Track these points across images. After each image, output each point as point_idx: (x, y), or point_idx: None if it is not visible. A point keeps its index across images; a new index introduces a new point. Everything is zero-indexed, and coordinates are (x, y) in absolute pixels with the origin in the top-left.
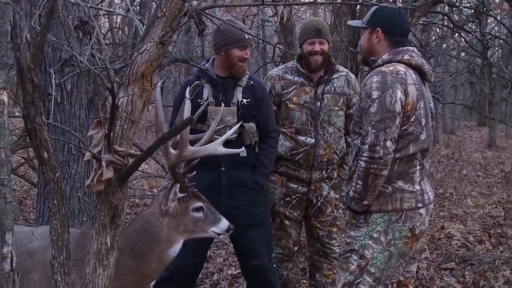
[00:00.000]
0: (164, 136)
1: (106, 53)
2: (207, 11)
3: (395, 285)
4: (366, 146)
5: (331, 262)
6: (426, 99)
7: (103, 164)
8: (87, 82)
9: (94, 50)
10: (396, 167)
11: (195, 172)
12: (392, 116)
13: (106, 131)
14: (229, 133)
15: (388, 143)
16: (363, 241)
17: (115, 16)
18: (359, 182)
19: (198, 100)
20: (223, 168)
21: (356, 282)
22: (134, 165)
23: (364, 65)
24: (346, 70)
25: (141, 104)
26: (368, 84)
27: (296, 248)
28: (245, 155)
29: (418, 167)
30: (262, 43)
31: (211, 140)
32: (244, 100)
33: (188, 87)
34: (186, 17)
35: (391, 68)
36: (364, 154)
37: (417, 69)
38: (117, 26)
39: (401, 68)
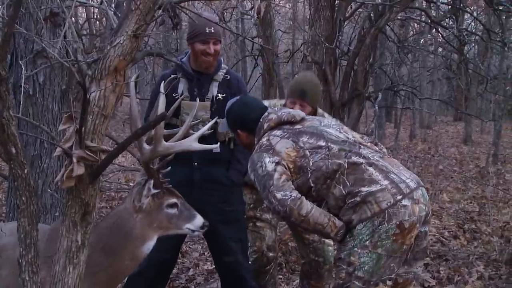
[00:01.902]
0: (137, 131)
1: (78, 46)
2: (183, 4)
3: (392, 281)
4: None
5: (321, 275)
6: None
7: (74, 160)
8: (59, 75)
9: (66, 42)
10: (345, 182)
11: (169, 167)
12: (268, 176)
13: (77, 126)
14: (204, 129)
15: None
16: (349, 250)
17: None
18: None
19: (173, 95)
20: (196, 163)
21: (344, 286)
22: (106, 161)
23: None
24: None
25: (114, 98)
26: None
27: (271, 254)
28: (219, 151)
29: (371, 168)
30: (241, 37)
31: (185, 135)
32: (220, 95)
33: (163, 81)
34: (160, 11)
35: (256, 147)
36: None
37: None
38: (95, 16)
39: (264, 138)
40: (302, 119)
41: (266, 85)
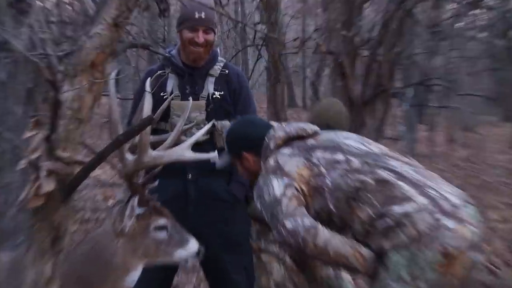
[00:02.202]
0: (119, 139)
1: (47, 36)
2: None
3: None
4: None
5: None
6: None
7: (43, 173)
8: (24, 71)
9: (32, 32)
10: (372, 202)
11: (157, 181)
12: (276, 203)
13: (47, 133)
14: (199, 134)
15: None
16: (383, 286)
17: None
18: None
19: (161, 94)
20: (190, 175)
21: None
22: (81, 174)
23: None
24: None
25: (90, 99)
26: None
27: None
28: (217, 160)
29: (402, 183)
30: (241, 24)
31: (177, 142)
32: (216, 93)
33: (150, 78)
34: None
35: (263, 169)
36: None
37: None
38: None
39: (272, 160)
40: (315, 133)
41: (272, 80)
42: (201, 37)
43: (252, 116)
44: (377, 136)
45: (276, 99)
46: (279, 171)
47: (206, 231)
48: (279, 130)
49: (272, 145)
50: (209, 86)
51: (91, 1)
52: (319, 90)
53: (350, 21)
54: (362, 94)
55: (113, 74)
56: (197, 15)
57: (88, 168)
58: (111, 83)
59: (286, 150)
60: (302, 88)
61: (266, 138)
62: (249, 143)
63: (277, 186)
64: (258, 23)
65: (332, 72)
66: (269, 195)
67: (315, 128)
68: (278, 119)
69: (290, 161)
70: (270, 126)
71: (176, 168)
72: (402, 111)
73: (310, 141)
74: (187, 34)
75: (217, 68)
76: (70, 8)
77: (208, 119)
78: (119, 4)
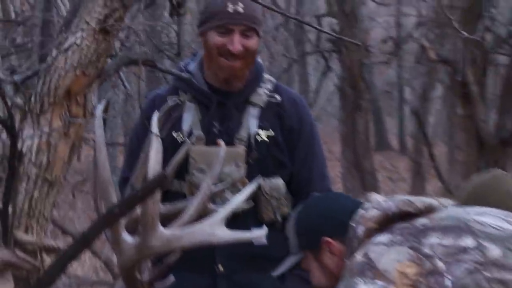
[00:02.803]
0: (112, 211)
1: None
2: None
3: None
4: None
5: None
6: None
7: None
8: None
9: None
10: None
11: (171, 277)
12: None
13: (0, 205)
14: (237, 201)
15: None
16: None
17: None
18: None
19: (174, 135)
20: (221, 267)
21: None
22: (55, 268)
23: None
24: None
25: (66, 148)
26: None
27: None
28: (265, 242)
29: None
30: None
31: (201, 213)
32: (263, 133)
33: (156, 111)
34: None
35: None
36: None
37: None
38: None
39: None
40: (430, 208)
41: (348, 107)
42: (237, 43)
43: (335, 193)
44: None
45: (356, 138)
46: (370, 270)
47: None
48: (372, 208)
49: (360, 231)
50: (251, 122)
51: None
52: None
53: (475, 10)
54: (499, 129)
55: (99, 108)
56: (231, 8)
57: (66, 258)
58: (97, 122)
59: (382, 238)
60: (398, 119)
61: (352, 222)
62: (334, 226)
63: None
64: (324, 15)
65: (447, 94)
66: None
67: (430, 201)
68: (359, 170)
69: (388, 253)
70: (359, 204)
71: (202, 256)
72: None
73: (421, 221)
74: (216, 39)
75: (262, 93)
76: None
77: (249, 175)
78: None
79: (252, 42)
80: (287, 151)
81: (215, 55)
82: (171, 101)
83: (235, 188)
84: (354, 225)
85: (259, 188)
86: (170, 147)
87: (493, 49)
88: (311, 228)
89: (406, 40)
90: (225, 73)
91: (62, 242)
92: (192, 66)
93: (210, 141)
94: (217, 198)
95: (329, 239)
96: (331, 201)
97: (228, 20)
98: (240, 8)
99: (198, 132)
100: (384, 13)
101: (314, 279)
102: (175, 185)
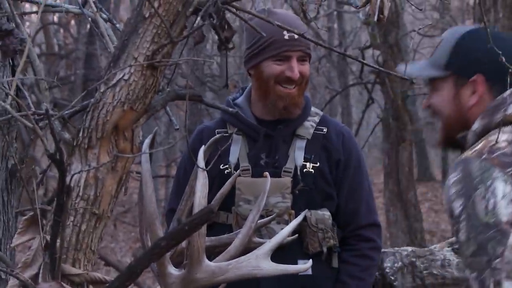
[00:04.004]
0: (159, 244)
1: (44, 85)
2: (236, 3)
3: None
4: None
5: None
6: None
7: None
8: (3, 140)
9: (20, 81)
10: None
11: None
12: (497, 234)
13: (47, 238)
14: (284, 233)
15: (506, 285)
16: None
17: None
18: None
19: (221, 167)
20: None
21: None
22: None
23: (444, 146)
24: None
25: (113, 182)
26: (446, 193)
27: None
28: (311, 273)
29: None
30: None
31: (247, 246)
32: (309, 165)
33: (203, 146)
34: (199, 17)
35: (479, 147)
36: None
37: None
38: (55, 21)
39: (503, 136)
40: None
41: (391, 138)
42: (296, 68)
43: None
44: None
45: (400, 170)
46: (503, 172)
47: None
48: None
49: (503, 112)
50: (297, 154)
51: (109, 26)
52: None
53: None
54: None
55: (146, 142)
56: (287, 35)
57: None
58: (144, 156)
59: None
60: (442, 150)
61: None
62: (497, 73)
63: (504, 200)
64: (368, 46)
65: None
66: (486, 210)
67: None
68: (402, 201)
69: None
70: None
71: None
72: None
73: None
74: (273, 67)
75: (308, 125)
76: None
77: (295, 206)
78: (157, 33)
79: (307, 68)
80: (333, 183)
81: (271, 85)
82: (218, 134)
83: (281, 219)
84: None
85: (305, 219)
86: (217, 179)
87: None
88: (473, 57)
89: None
90: (285, 101)
91: (104, 273)
92: (240, 100)
93: (257, 173)
94: (263, 229)
95: (482, 79)
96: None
97: (287, 47)
98: (291, 35)
99: (245, 163)
100: (428, 43)
101: (438, 102)
102: (221, 216)
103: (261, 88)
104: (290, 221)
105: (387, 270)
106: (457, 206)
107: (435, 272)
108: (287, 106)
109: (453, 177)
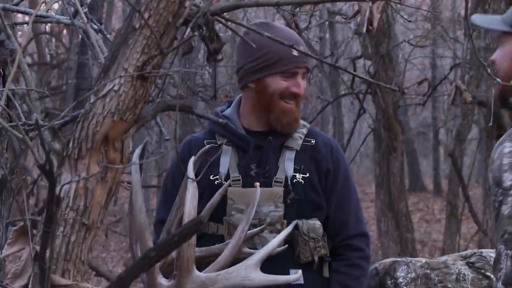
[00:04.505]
0: (149, 255)
1: (35, 96)
2: (226, 14)
3: None
4: (500, 285)
5: None
6: None
7: None
8: None
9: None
10: None
11: None
12: None
13: (37, 248)
14: (275, 243)
15: None
16: None
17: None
18: None
19: (211, 177)
20: None
21: None
22: None
23: (499, 105)
24: None
25: (103, 193)
26: (497, 160)
27: None
28: (302, 283)
29: None
30: (330, 57)
31: (237, 256)
32: (299, 176)
33: (193, 156)
34: (188, 28)
35: None
36: None
37: None
38: (47, 31)
39: None
40: None
41: (382, 148)
42: (302, 85)
43: None
44: None
45: (390, 179)
46: None
47: None
48: None
49: None
50: (287, 165)
51: (101, 40)
52: (461, 165)
53: None
54: None
55: (136, 153)
56: (296, 52)
57: None
58: (134, 167)
59: None
60: (433, 161)
61: None
62: None
63: None
64: (359, 57)
65: (483, 135)
66: None
67: None
68: (394, 211)
69: None
70: None
71: None
72: None
73: None
74: (280, 83)
75: (297, 137)
76: (53, 40)
77: (287, 216)
78: (147, 44)
79: (305, 83)
80: (323, 193)
81: (276, 100)
82: (207, 145)
83: (274, 228)
84: None
85: (297, 229)
86: (207, 190)
87: None
88: None
89: (442, 82)
90: (289, 117)
91: (95, 283)
92: (228, 112)
93: (247, 183)
94: (256, 239)
95: None
96: None
97: (296, 63)
98: (297, 52)
99: (235, 174)
100: (419, 54)
101: (499, 56)
102: (211, 227)
103: (262, 102)
104: (283, 230)
105: (401, 280)
106: (509, 178)
107: (449, 286)
108: (290, 121)
109: (510, 147)
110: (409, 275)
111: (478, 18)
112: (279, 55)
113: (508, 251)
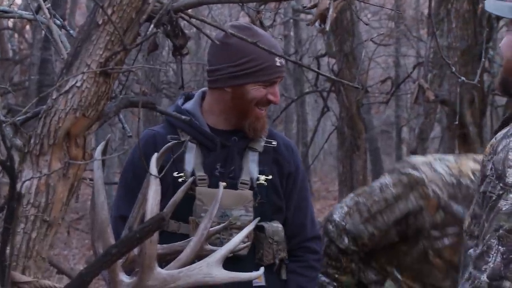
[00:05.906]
0: (110, 252)
1: None
2: (190, 11)
3: None
4: (485, 278)
5: None
6: None
7: None
8: None
9: None
10: None
11: None
12: None
13: None
14: (236, 241)
15: None
16: None
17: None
18: None
19: (175, 174)
20: None
21: None
22: None
23: (500, 91)
24: None
25: (65, 189)
26: (501, 152)
27: None
28: (263, 283)
29: None
30: (295, 54)
31: (199, 254)
32: (262, 178)
33: (156, 153)
34: (152, 25)
35: None
36: None
37: None
38: (9, 26)
39: None
40: None
41: (345, 146)
42: (278, 92)
43: None
44: None
45: (354, 178)
46: None
47: None
48: None
49: None
50: (252, 167)
51: (64, 36)
52: None
53: (474, 50)
54: None
55: (98, 149)
56: (278, 62)
57: None
58: (96, 163)
59: None
60: (396, 159)
61: None
62: None
63: None
64: (323, 55)
65: (445, 134)
66: None
67: None
68: None
69: None
70: None
71: None
72: None
73: None
74: (260, 91)
75: (259, 138)
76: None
77: (252, 219)
78: (110, 40)
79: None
80: (283, 196)
81: (252, 106)
82: (171, 141)
83: (235, 226)
84: None
85: (262, 231)
86: (171, 187)
87: (491, 90)
88: None
89: (405, 80)
90: (262, 123)
91: (56, 281)
92: (191, 107)
93: (213, 183)
94: (225, 240)
95: None
96: None
97: (278, 73)
98: (282, 61)
99: (200, 173)
100: (382, 52)
101: (504, 43)
102: (171, 225)
103: (237, 107)
104: (252, 234)
105: (337, 219)
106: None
107: (376, 199)
108: (263, 127)
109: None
110: (343, 211)
111: (490, 4)
112: (263, 64)
113: (500, 247)
